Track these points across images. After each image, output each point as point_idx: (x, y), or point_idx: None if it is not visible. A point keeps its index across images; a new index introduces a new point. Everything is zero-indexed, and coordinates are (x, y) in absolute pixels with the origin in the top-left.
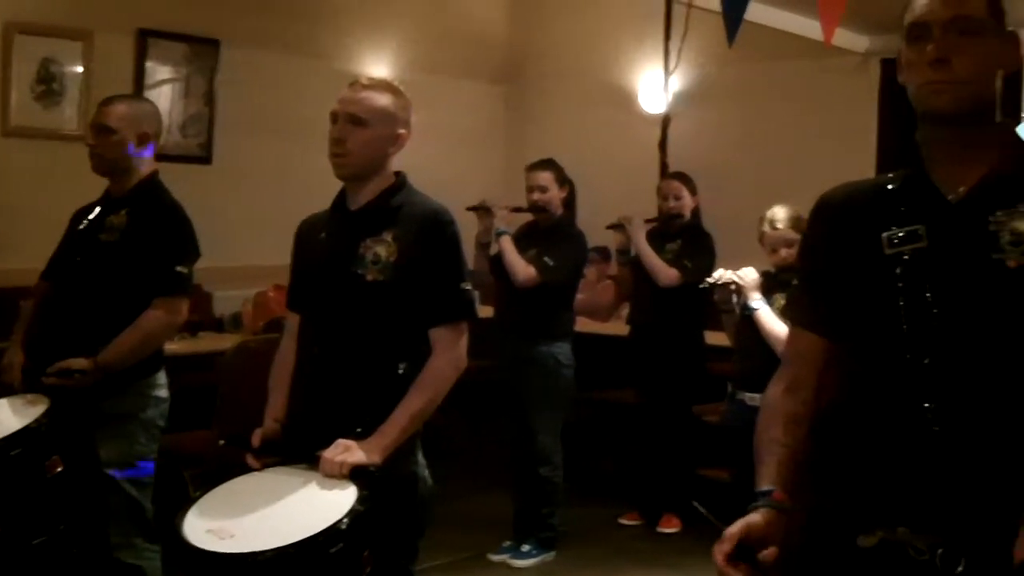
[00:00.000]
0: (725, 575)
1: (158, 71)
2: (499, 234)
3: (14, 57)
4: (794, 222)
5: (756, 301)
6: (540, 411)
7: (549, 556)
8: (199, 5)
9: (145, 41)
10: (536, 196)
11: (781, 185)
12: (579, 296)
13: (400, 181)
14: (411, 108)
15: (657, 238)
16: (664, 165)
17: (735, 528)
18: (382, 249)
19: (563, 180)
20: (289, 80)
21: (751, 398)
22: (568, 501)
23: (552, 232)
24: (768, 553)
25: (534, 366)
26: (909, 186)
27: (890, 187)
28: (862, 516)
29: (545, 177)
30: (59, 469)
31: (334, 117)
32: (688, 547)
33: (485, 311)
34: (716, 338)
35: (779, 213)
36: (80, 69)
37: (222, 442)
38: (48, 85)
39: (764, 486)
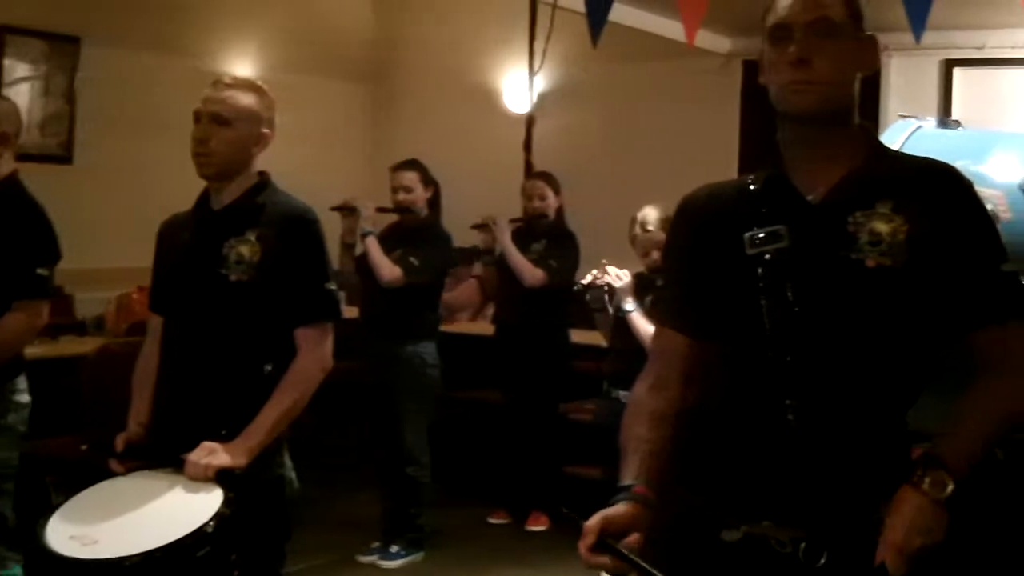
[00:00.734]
0: (590, 564)
1: (17, 68)
2: (364, 234)
3: None
4: (665, 224)
5: (629, 304)
6: (406, 411)
7: (418, 556)
8: (59, 2)
9: (3, 38)
10: (401, 196)
11: (645, 185)
12: (444, 295)
13: (264, 181)
14: (275, 107)
15: (522, 238)
16: (529, 165)
17: (594, 521)
18: (246, 249)
19: (428, 180)
20: (151, 79)
21: (625, 396)
22: (436, 501)
23: (417, 232)
24: (631, 540)
25: (400, 366)
26: (770, 187)
27: (751, 188)
28: (727, 511)
29: (410, 177)
30: None
31: (197, 116)
32: (556, 545)
33: (351, 311)
34: (582, 337)
35: (650, 215)
36: None
37: (85, 447)
38: None
39: (627, 481)
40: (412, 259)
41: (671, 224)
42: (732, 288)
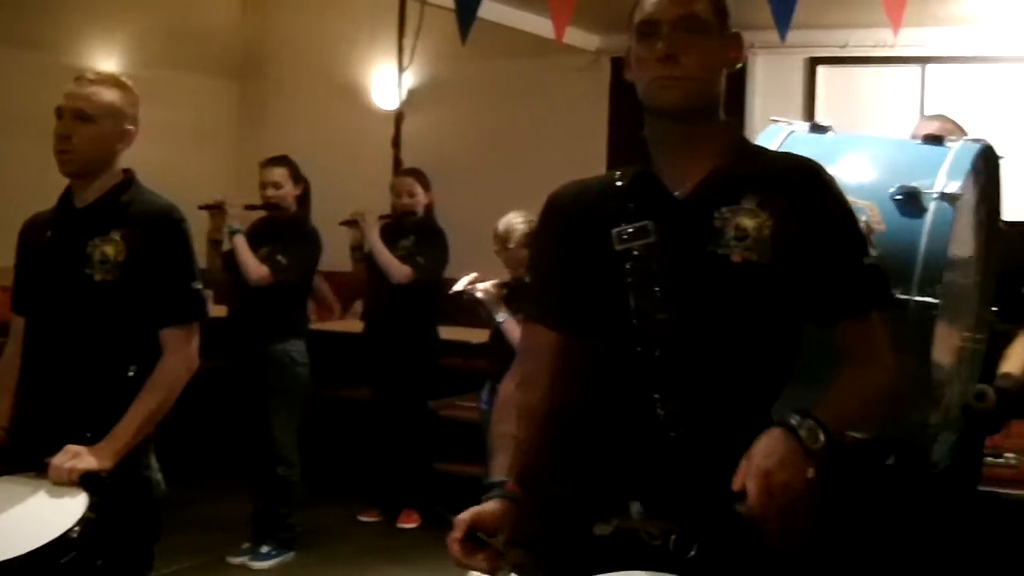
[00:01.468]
0: (460, 561)
1: None
2: (232, 232)
3: None
4: (527, 238)
5: (501, 315)
6: (276, 410)
7: (288, 556)
8: None
9: None
10: (270, 193)
11: (515, 182)
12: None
13: (129, 178)
14: (140, 103)
15: (391, 235)
16: (398, 162)
17: (465, 516)
18: (110, 248)
19: (297, 177)
20: (12, 74)
21: None
22: (307, 500)
23: (286, 229)
24: (499, 540)
25: (268, 364)
26: (637, 183)
27: (619, 184)
28: (598, 505)
29: (279, 174)
30: None
31: (59, 112)
32: (428, 542)
33: (219, 310)
34: (451, 333)
35: (514, 231)
36: None
37: None
38: None
39: (497, 477)
40: (280, 257)
41: (538, 220)
42: (600, 284)
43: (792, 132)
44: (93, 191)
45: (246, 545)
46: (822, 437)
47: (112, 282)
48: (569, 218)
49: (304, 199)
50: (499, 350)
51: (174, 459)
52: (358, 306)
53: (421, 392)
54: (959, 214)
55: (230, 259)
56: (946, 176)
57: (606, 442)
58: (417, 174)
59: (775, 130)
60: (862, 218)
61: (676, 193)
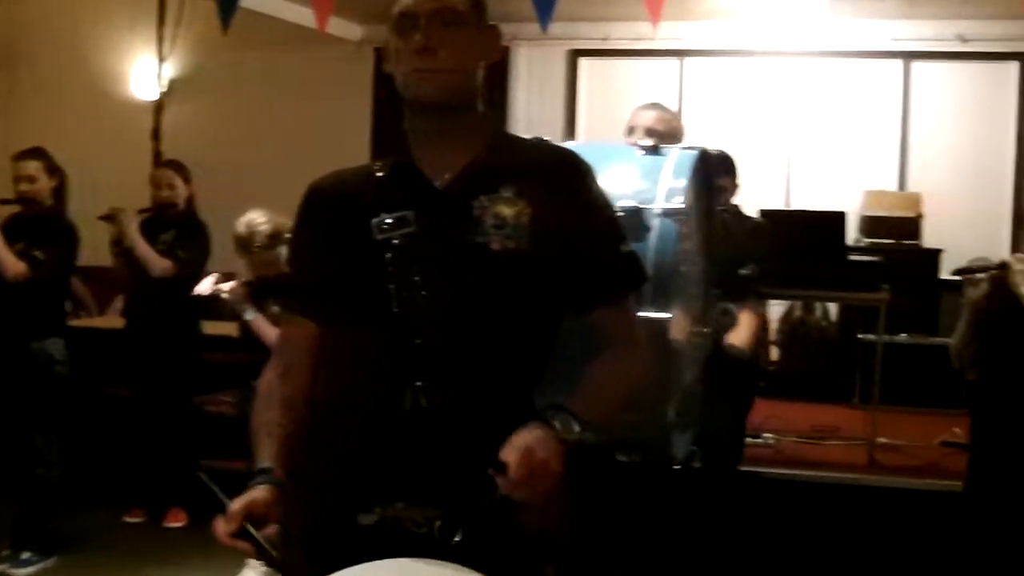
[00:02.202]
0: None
1: None
2: None
3: None
4: (273, 240)
5: (249, 313)
6: (34, 410)
7: (50, 562)
8: None
9: None
10: (24, 187)
11: (278, 173)
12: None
13: None
14: None
15: (151, 228)
16: (157, 154)
17: (238, 505)
18: None
19: (53, 170)
20: None
21: None
22: (69, 503)
23: (41, 224)
24: (269, 531)
25: (26, 363)
26: (397, 173)
27: (379, 174)
28: (361, 494)
29: (33, 167)
30: None
31: None
32: (195, 541)
33: None
34: (214, 328)
35: (259, 232)
36: None
37: None
38: None
39: (264, 464)
40: (36, 253)
41: (298, 211)
42: (361, 274)
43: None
44: None
45: (5, 552)
46: (576, 427)
47: None
48: (329, 208)
49: (60, 193)
50: (251, 347)
51: None
52: (119, 302)
53: (184, 388)
54: (686, 215)
55: None
56: (666, 191)
57: (369, 431)
58: (177, 166)
59: None
60: None
61: (436, 183)
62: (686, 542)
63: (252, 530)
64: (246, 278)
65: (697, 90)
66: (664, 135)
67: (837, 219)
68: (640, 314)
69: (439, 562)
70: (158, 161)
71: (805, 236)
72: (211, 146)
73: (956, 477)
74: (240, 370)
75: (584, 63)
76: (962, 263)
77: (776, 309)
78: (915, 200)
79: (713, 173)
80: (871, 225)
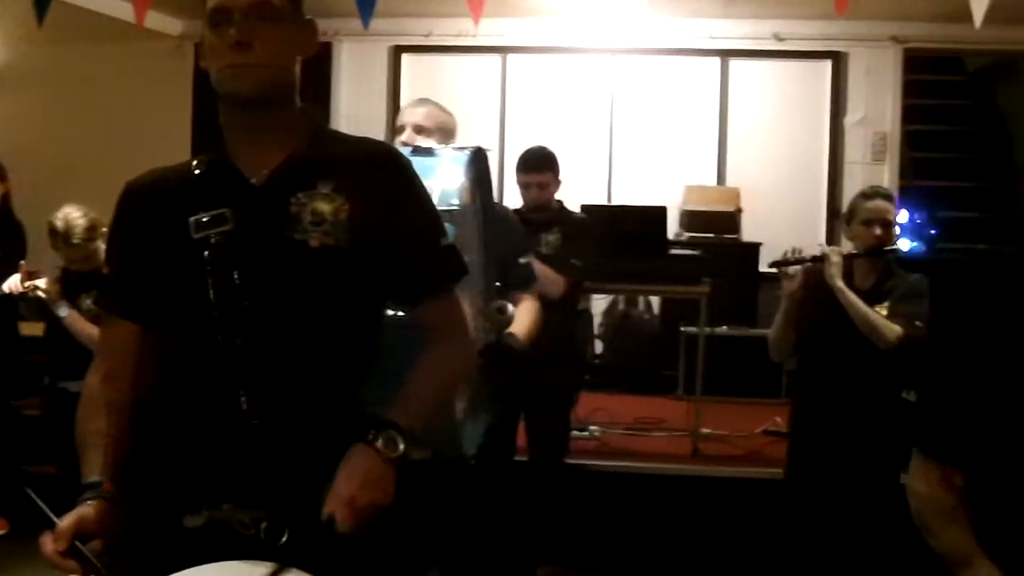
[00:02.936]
0: (58, 567)
1: None
2: None
3: None
4: (91, 233)
5: (62, 310)
6: None
7: None
8: None
9: None
10: None
11: (97, 170)
12: None
13: None
14: None
15: None
16: None
17: (66, 523)
18: None
19: None
20: None
21: (74, 387)
22: None
23: None
24: (94, 545)
25: None
26: (213, 170)
27: (196, 171)
28: (187, 497)
29: None
30: None
31: None
32: (17, 548)
33: None
34: (31, 329)
35: (76, 226)
36: None
37: None
38: None
39: (92, 477)
40: None
41: (115, 210)
42: (179, 273)
43: None
44: None
45: None
46: (401, 443)
47: None
48: (146, 207)
49: None
50: (59, 345)
51: None
52: None
53: (2, 390)
54: (462, 216)
55: None
56: (440, 191)
57: (192, 433)
58: None
59: None
60: None
61: (252, 180)
62: (513, 536)
63: (83, 548)
64: (57, 274)
65: (520, 86)
66: (434, 131)
67: (658, 214)
68: None
69: (266, 564)
70: None
71: (627, 231)
72: (27, 142)
73: (777, 465)
74: (46, 370)
75: (407, 59)
76: (778, 256)
77: (599, 303)
78: (734, 195)
79: (487, 168)
80: (691, 219)
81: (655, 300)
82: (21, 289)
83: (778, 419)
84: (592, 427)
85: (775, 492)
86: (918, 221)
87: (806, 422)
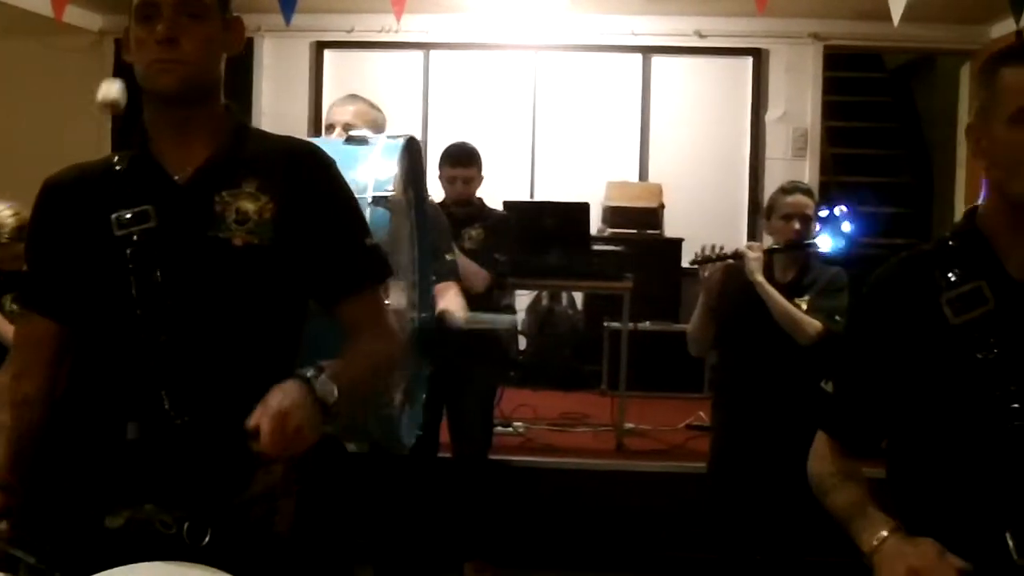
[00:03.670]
0: None
1: None
2: None
3: None
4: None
5: None
6: None
7: None
8: None
9: None
10: None
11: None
12: None
13: None
14: None
15: None
16: None
17: None
18: None
19: None
20: None
21: None
22: None
23: None
24: (2, 528)
25: None
26: (136, 167)
27: (117, 168)
28: (108, 497)
29: None
30: None
31: None
32: None
33: None
34: None
35: (4, 225)
36: None
37: None
38: None
39: None
40: None
41: (35, 206)
42: (101, 270)
43: None
44: None
45: None
46: (335, 393)
47: None
48: (66, 204)
49: None
50: None
51: None
52: None
53: None
54: (396, 203)
55: None
56: (374, 179)
57: (114, 432)
58: None
59: None
60: None
61: (176, 177)
62: (438, 531)
63: None
64: None
65: (442, 82)
66: (364, 129)
67: (581, 209)
68: None
69: (189, 564)
70: None
71: (550, 226)
72: None
73: (701, 459)
74: None
75: (329, 55)
76: (699, 251)
77: (523, 299)
78: (656, 191)
79: (420, 157)
80: (614, 215)
81: (578, 296)
82: None
83: (701, 414)
84: (516, 423)
85: (699, 486)
86: (838, 216)
87: (727, 416)
